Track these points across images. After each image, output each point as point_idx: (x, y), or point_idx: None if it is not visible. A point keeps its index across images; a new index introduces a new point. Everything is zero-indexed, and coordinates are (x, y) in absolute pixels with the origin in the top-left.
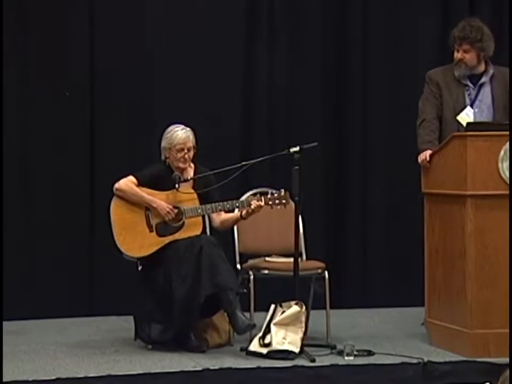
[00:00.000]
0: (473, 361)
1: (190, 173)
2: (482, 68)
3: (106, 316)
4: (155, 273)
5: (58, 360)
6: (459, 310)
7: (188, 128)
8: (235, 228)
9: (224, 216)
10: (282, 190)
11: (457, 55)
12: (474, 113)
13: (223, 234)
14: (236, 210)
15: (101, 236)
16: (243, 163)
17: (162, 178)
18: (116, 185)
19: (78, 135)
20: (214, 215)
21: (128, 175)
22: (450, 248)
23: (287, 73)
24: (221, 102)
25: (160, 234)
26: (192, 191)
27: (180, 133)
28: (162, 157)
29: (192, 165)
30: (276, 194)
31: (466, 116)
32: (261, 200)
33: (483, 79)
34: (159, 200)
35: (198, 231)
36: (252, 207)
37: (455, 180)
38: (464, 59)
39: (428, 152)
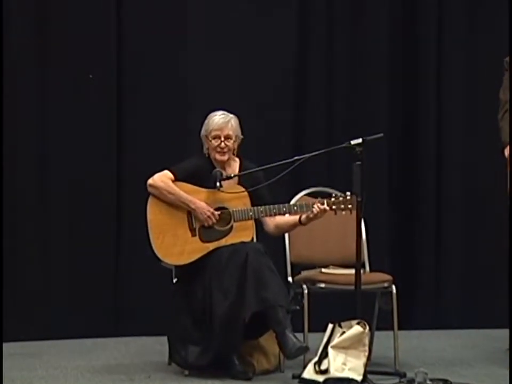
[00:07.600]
0: None
1: (235, 169)
2: None
3: (135, 337)
4: (193, 286)
5: None
6: None
7: (231, 115)
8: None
9: (279, 219)
10: (348, 193)
11: None
12: None
13: (272, 241)
14: (287, 215)
15: (129, 245)
16: (296, 157)
17: (203, 174)
18: (150, 180)
19: (104, 132)
20: (267, 218)
21: (163, 169)
22: None
23: (348, 56)
24: (272, 88)
25: (203, 240)
26: (242, 188)
27: (217, 118)
28: (204, 149)
29: (236, 159)
30: (341, 198)
31: None
32: (325, 204)
33: None
34: (201, 200)
35: (248, 238)
36: (314, 211)
37: None
38: None
39: None
